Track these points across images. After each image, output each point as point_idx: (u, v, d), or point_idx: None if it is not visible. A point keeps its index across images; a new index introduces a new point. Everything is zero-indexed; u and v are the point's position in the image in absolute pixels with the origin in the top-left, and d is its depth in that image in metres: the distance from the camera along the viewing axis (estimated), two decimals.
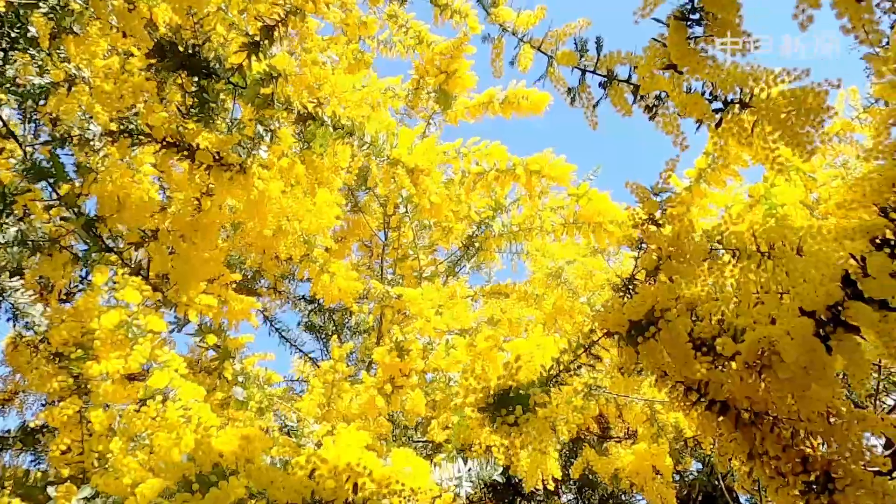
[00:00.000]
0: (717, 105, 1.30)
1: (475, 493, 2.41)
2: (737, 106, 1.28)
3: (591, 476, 3.25)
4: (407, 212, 3.31)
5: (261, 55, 1.93)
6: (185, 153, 1.99)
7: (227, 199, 2.32)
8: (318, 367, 3.27)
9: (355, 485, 1.31)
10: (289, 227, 2.51)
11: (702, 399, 1.54)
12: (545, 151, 2.84)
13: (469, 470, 2.36)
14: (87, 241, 1.95)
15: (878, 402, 3.07)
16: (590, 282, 3.04)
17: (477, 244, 3.79)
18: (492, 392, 1.65)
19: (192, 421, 1.59)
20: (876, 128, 1.39)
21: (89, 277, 1.97)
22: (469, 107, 3.38)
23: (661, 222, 1.63)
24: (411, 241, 3.26)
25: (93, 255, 1.95)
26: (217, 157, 1.98)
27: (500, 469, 2.45)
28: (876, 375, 2.98)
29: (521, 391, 1.64)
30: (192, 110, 1.92)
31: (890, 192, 1.35)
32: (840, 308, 1.35)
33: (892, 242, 1.36)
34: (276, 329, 4.22)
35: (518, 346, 2.87)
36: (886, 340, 1.34)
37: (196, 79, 1.94)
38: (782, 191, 2.40)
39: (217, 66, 1.92)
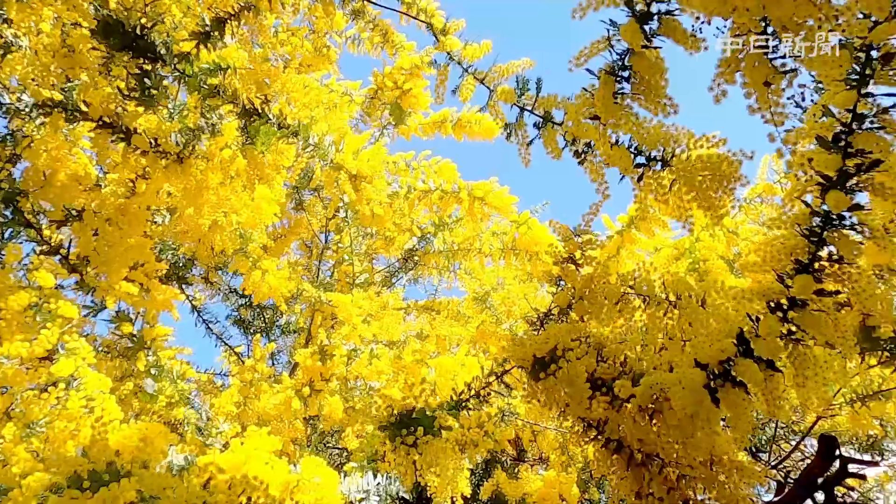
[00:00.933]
0: (641, 160, 1.37)
1: None
2: (658, 164, 1.35)
3: (501, 497, 3.30)
4: (347, 217, 3.31)
5: (210, 46, 1.91)
6: (122, 136, 1.95)
7: (163, 185, 2.28)
8: (243, 362, 3.23)
9: (249, 499, 1.30)
10: (225, 221, 2.48)
11: (599, 436, 1.61)
12: (490, 180, 2.91)
13: (378, 484, 2.37)
14: (7, 215, 1.89)
15: (772, 449, 3.23)
16: (513, 309, 3.11)
17: (416, 258, 3.83)
18: (395, 411, 1.67)
19: (94, 412, 1.55)
20: (783, 199, 1.48)
21: (2, 254, 1.91)
22: (422, 124, 3.42)
23: (580, 263, 1.69)
24: (348, 246, 3.26)
25: (10, 230, 1.88)
26: (154, 144, 1.95)
27: (410, 486, 2.46)
28: (773, 423, 3.14)
29: (426, 412, 1.67)
30: (132, 93, 1.89)
31: (787, 260, 1.44)
32: (731, 363, 1.44)
33: (785, 307, 1.46)
34: (204, 320, 4.14)
35: (442, 364, 2.90)
36: (769, 398, 1.43)
37: (141, 61, 1.91)
38: (706, 245, 2.53)
39: (164, 51, 1.90)
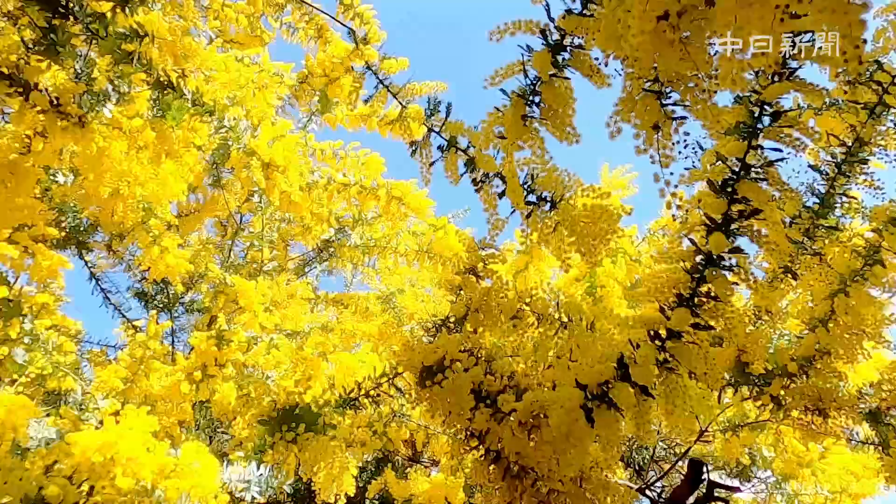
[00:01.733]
0: (532, 199, 1.42)
1: (264, 498, 2.38)
2: (547, 204, 1.41)
3: (387, 497, 3.32)
4: (261, 202, 3.24)
5: (129, 11, 1.83)
6: (20, 90, 1.83)
7: (64, 146, 2.15)
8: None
9: (91, 488, 1.25)
10: (128, 191, 2.37)
11: (480, 446, 1.64)
12: (410, 181, 2.92)
13: (261, 475, 2.32)
14: None
15: (651, 468, 3.40)
16: (415, 313, 3.14)
17: (332, 249, 3.79)
18: (278, 406, 1.65)
19: None
20: (672, 235, 1.57)
21: None
22: (349, 115, 3.39)
23: (481, 275, 1.73)
24: (259, 232, 3.19)
25: None
26: (55, 103, 1.84)
27: (293, 479, 2.42)
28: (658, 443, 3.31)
29: (311, 409, 1.66)
30: (37, 47, 1.77)
31: (670, 292, 1.52)
32: (609, 386, 1.51)
33: (664, 337, 1.54)
34: (102, 289, 3.94)
35: (343, 359, 2.88)
36: (639, 422, 1.50)
37: (50, 15, 1.80)
38: (606, 270, 2.63)
39: (77, 8, 1.80)
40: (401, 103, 2.08)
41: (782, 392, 2.25)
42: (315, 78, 3.13)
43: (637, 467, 4.17)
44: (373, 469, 3.55)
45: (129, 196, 2.35)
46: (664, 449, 3.91)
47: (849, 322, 2.16)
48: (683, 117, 1.14)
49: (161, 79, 1.89)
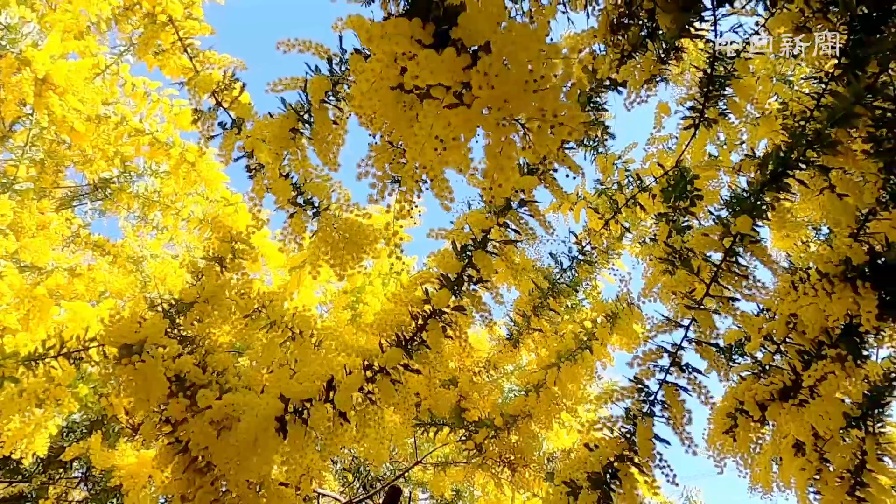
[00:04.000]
0: (300, 200, 1.45)
1: None
2: (311, 210, 1.45)
3: (87, 462, 3.09)
4: (33, 115, 2.90)
5: None
6: None
7: None
8: None
9: None
10: None
11: (172, 433, 1.62)
12: (208, 152, 2.82)
13: None
14: None
15: (373, 485, 3.54)
16: (164, 284, 3.00)
17: (110, 190, 3.49)
18: None
19: None
20: (410, 282, 1.69)
21: None
22: (172, 61, 3.19)
23: (228, 267, 1.71)
24: (21, 146, 2.86)
25: None
26: None
27: None
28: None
29: None
30: None
31: (392, 331, 1.63)
32: (311, 404, 1.57)
33: (375, 369, 1.64)
34: None
35: (77, 308, 2.66)
36: (328, 443, 1.58)
37: None
38: (374, 290, 2.73)
39: None
40: (195, 68, 2.00)
41: (486, 441, 2.49)
42: (144, 5, 2.92)
43: (362, 483, 4.32)
44: (84, 431, 3.28)
45: None
46: (390, 470, 4.10)
47: (555, 393, 2.46)
48: (424, 180, 1.24)
49: None
